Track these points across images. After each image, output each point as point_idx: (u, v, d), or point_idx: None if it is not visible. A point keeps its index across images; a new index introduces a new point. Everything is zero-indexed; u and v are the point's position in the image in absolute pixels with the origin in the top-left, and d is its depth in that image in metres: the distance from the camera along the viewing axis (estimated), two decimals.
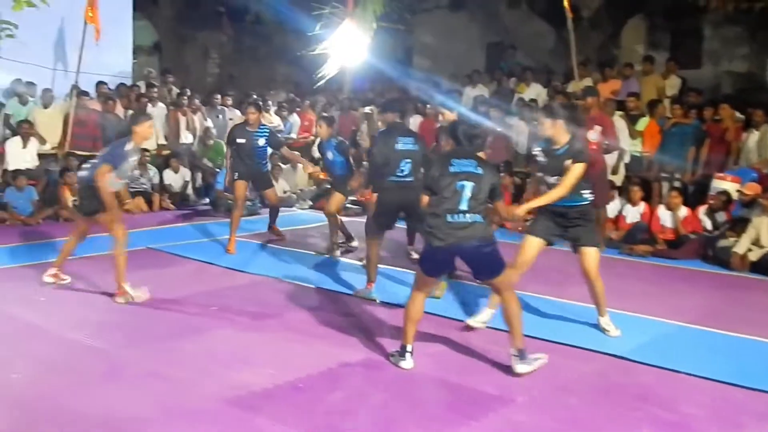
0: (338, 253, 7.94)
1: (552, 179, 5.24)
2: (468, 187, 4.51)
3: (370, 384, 4.47)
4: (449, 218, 4.51)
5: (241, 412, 3.95)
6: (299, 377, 4.45)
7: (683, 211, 8.70)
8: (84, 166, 6.68)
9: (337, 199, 7.97)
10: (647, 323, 5.76)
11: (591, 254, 5.29)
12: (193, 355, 4.87)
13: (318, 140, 9.13)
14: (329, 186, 8.33)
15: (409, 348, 4.70)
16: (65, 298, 6.17)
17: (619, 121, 9.88)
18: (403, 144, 6.24)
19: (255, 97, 12.94)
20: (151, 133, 6.82)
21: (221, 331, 5.41)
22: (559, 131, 5.18)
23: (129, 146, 6.19)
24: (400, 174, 6.20)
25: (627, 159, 9.99)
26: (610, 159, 9.58)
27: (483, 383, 4.45)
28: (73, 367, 4.61)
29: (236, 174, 8.22)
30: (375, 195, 6.37)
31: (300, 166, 10.58)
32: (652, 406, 4.18)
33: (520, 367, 4.56)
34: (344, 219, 8.79)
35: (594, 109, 9.17)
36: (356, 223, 8.51)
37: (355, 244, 8.20)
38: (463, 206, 4.50)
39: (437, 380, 4.54)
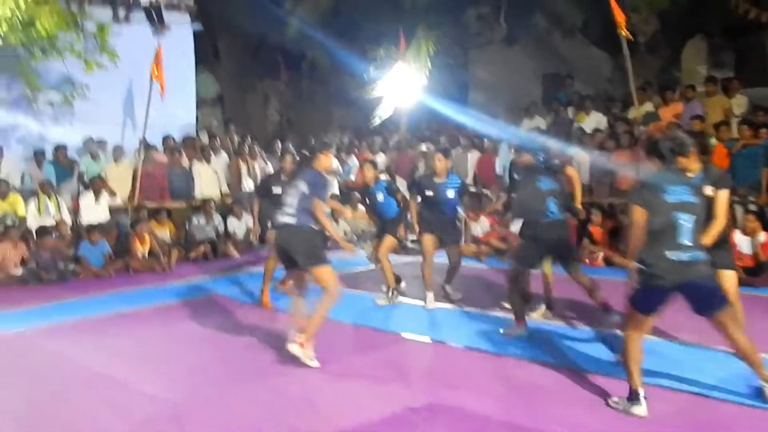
0: (396, 295, 7.76)
1: None
2: (686, 219, 4.29)
3: (436, 428, 4.40)
4: (669, 255, 4.27)
5: None
6: (362, 423, 4.43)
7: (762, 236, 8.37)
8: (285, 213, 5.78)
9: (388, 242, 7.76)
10: (726, 357, 5.43)
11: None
12: (262, 403, 4.89)
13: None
14: (381, 230, 7.99)
15: (641, 393, 4.46)
16: (136, 349, 6.31)
17: None
18: (543, 184, 6.21)
19: (314, 141, 13.24)
20: (331, 162, 6.54)
21: (288, 377, 5.41)
22: (693, 160, 5.04)
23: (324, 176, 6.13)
24: (549, 213, 6.16)
25: None
26: None
27: (552, 423, 4.34)
28: (141, 418, 4.66)
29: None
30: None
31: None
32: None
33: None
34: (406, 259, 8.78)
35: (657, 135, 9.04)
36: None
37: (403, 285, 8.04)
38: (684, 241, 4.29)
39: (507, 424, 4.43)
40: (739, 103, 10.95)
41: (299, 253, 5.61)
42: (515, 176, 6.77)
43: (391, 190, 7.86)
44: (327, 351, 6.00)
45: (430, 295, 7.47)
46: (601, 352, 5.72)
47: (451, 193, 7.41)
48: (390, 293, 7.72)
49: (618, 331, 6.04)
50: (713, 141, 9.78)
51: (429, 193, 7.42)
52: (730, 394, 4.72)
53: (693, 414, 4.49)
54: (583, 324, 6.56)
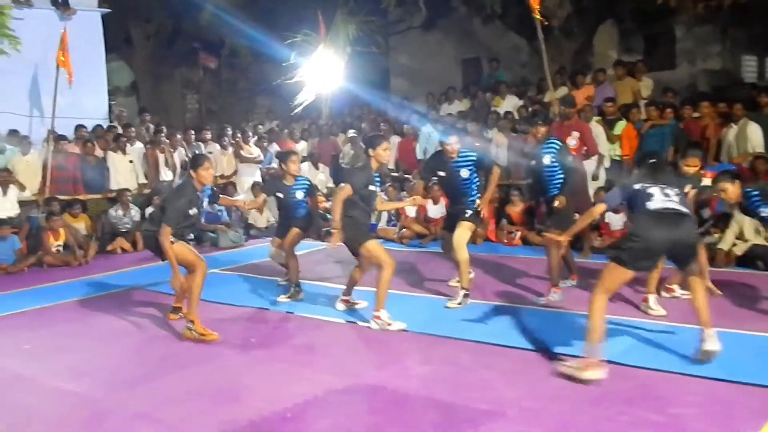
0: (299, 292, 7.23)
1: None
2: None
3: (361, 409, 4.40)
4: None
5: None
6: (287, 407, 4.38)
7: None
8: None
9: (294, 234, 7.25)
10: (633, 325, 5.74)
11: None
12: (180, 392, 4.79)
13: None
14: (284, 226, 7.51)
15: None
16: (49, 346, 6.08)
17: (596, 127, 9.94)
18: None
19: (230, 130, 13.00)
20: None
21: (207, 365, 5.33)
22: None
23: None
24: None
25: (607, 164, 10.03)
26: (590, 165, 9.64)
27: (474, 400, 4.39)
28: (58, 415, 4.52)
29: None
30: None
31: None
32: (640, 408, 4.13)
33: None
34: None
35: (570, 118, 9.30)
36: None
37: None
38: None
39: (427, 400, 4.46)
40: (647, 86, 11.36)
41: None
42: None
43: (312, 192, 7.45)
44: (247, 338, 5.99)
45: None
46: (523, 328, 5.82)
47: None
48: (294, 290, 7.20)
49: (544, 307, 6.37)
50: (623, 123, 10.12)
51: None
52: (636, 360, 4.88)
53: (652, 388, 4.51)
54: (506, 301, 6.71)
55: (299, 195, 7.34)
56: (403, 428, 4.06)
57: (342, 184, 6.22)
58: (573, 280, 7.17)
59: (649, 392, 4.38)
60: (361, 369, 5.08)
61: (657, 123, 9.81)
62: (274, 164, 12.85)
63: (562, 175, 6.71)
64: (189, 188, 6.14)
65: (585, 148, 9.43)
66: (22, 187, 10.58)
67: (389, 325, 5.94)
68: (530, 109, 11.54)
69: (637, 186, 4.88)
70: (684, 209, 4.75)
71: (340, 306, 6.68)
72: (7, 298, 8.03)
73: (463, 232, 6.63)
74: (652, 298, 6.10)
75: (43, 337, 6.35)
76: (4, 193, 10.30)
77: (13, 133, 11.13)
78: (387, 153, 6.31)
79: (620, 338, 5.38)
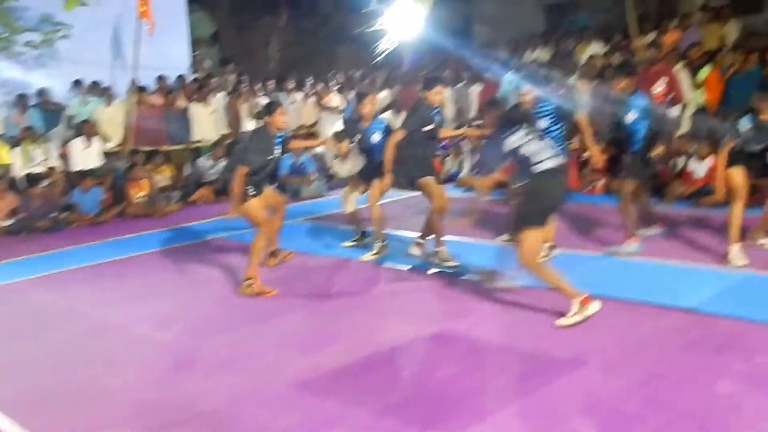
0: (386, 248, 6.89)
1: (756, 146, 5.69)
2: None
3: (441, 358, 4.31)
4: None
5: (311, 397, 3.85)
6: (367, 355, 4.33)
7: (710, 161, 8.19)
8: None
9: (380, 186, 6.70)
10: (719, 274, 5.52)
11: None
12: (264, 341, 4.81)
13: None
14: (366, 172, 7.06)
15: None
16: (136, 294, 6.20)
17: (680, 72, 9.41)
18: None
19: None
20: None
21: (290, 315, 5.33)
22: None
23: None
24: None
25: (692, 110, 9.48)
26: (675, 111, 9.16)
27: (556, 349, 4.26)
28: (147, 361, 4.61)
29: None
30: None
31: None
32: (728, 357, 3.98)
33: None
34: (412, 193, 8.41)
35: (660, 62, 8.81)
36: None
37: (367, 240, 7.18)
38: None
39: (509, 349, 4.36)
40: (732, 30, 10.79)
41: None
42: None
43: (389, 132, 6.97)
44: (329, 288, 5.96)
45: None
46: (606, 277, 5.59)
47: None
48: (382, 246, 6.82)
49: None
50: (707, 68, 9.61)
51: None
52: (722, 309, 4.70)
53: (684, 330, 4.44)
54: (584, 250, 6.48)
55: (376, 137, 6.93)
56: (484, 376, 4.00)
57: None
58: (659, 228, 6.82)
59: (734, 342, 4.21)
60: (442, 318, 5.01)
61: (741, 69, 9.20)
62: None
63: (643, 131, 6.29)
64: (265, 133, 6.22)
65: (672, 94, 8.92)
66: (105, 138, 10.78)
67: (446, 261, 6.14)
68: (616, 55, 11.00)
69: None
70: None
71: (415, 251, 6.58)
72: (93, 248, 8.26)
73: None
74: (735, 248, 5.75)
75: (128, 286, 6.49)
76: (88, 144, 10.51)
77: (96, 84, 11.32)
78: (440, 97, 6.39)
79: (704, 287, 5.18)
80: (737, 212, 5.75)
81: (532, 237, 4.69)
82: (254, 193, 6.04)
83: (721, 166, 5.89)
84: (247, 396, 3.93)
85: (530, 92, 6.36)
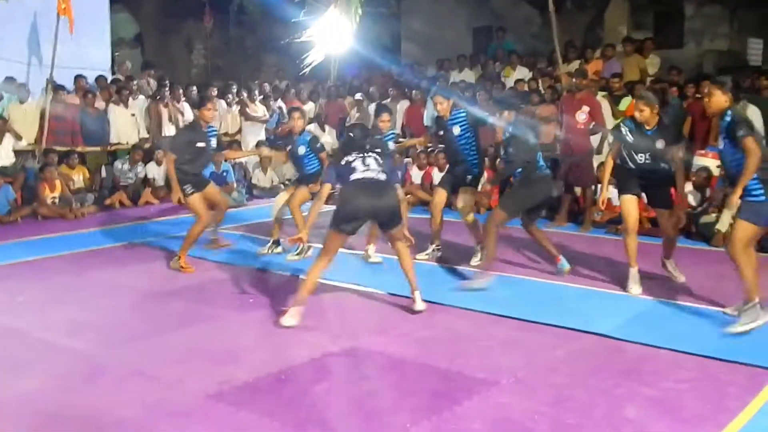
0: (308, 250, 7.28)
1: (640, 156, 5.87)
2: None
3: (357, 374, 4.37)
4: None
5: (225, 407, 3.83)
6: (282, 369, 4.34)
7: None
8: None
9: (301, 194, 7.31)
10: (631, 300, 5.76)
11: None
12: (176, 351, 4.74)
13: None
14: (298, 180, 7.59)
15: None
16: (44, 299, 6.01)
17: (602, 102, 9.85)
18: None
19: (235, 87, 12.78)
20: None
21: (205, 325, 5.28)
22: (653, 115, 5.79)
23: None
24: None
25: (610, 139, 9.89)
26: (594, 140, 9.57)
27: (470, 367, 4.37)
28: (52, 370, 4.45)
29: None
30: None
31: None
32: (635, 382, 4.15)
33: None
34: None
35: (583, 91, 9.17)
36: None
37: (279, 250, 7.49)
38: None
39: (424, 366, 4.44)
40: (654, 63, 11.31)
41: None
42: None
43: (313, 147, 7.37)
44: (246, 299, 5.93)
45: (371, 248, 7.21)
46: (530, 300, 5.77)
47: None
48: (301, 248, 7.18)
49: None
50: (628, 99, 9.99)
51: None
52: (632, 335, 4.89)
53: (594, 354, 4.62)
54: (511, 273, 6.62)
55: (301, 150, 7.36)
56: (398, 394, 4.04)
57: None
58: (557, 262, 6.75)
59: (642, 367, 4.40)
60: (359, 333, 5.05)
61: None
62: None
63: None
64: (195, 125, 7.16)
65: (593, 123, 9.32)
66: (18, 136, 10.38)
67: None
68: (539, 81, 11.38)
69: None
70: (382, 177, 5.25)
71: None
72: (1, 248, 7.92)
73: (466, 198, 6.85)
74: (632, 272, 5.96)
75: (37, 289, 6.27)
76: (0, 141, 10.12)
77: (10, 80, 10.89)
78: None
79: (616, 313, 5.41)
80: (629, 242, 5.93)
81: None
82: (192, 191, 6.81)
83: (607, 171, 6.12)
84: (156, 407, 3.87)
85: (445, 100, 6.84)
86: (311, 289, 5.26)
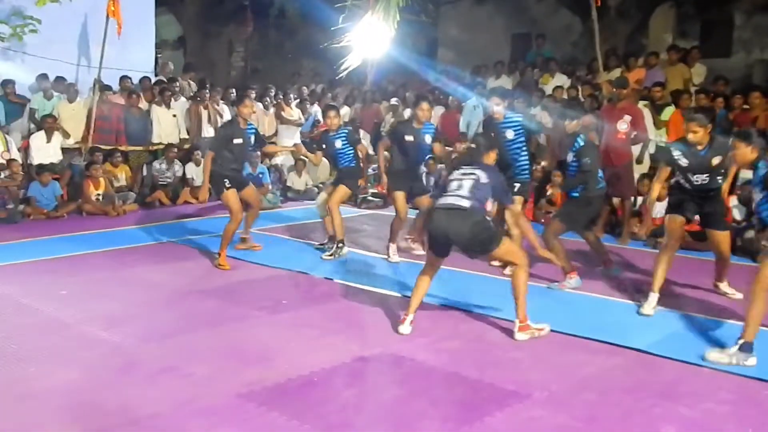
0: (342, 249, 7.52)
1: (696, 177, 5.73)
2: None
3: (386, 379, 4.40)
4: None
5: (255, 408, 3.90)
6: (314, 372, 4.39)
7: None
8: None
9: (341, 192, 7.51)
10: (670, 316, 5.64)
11: None
12: (209, 349, 4.84)
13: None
14: (336, 179, 7.80)
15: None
16: (85, 293, 6.17)
17: (644, 110, 9.70)
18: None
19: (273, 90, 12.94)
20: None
21: (237, 324, 5.37)
22: (705, 135, 5.59)
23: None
24: None
25: (652, 149, 9.77)
26: (635, 149, 9.40)
27: (500, 379, 4.35)
28: (91, 361, 4.59)
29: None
30: None
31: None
32: (673, 402, 4.04)
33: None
34: (367, 212, 8.69)
35: (624, 100, 9.01)
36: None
37: (344, 252, 7.58)
38: None
39: (454, 376, 4.43)
40: (699, 73, 11.07)
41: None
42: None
43: (351, 139, 7.64)
44: (279, 301, 5.99)
45: (393, 248, 7.41)
46: (555, 310, 5.72)
47: (428, 138, 7.31)
48: (337, 246, 7.48)
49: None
50: (671, 108, 9.83)
51: (409, 138, 7.26)
52: (671, 352, 4.79)
53: (631, 370, 4.55)
54: (539, 282, 6.54)
55: (338, 143, 7.59)
56: (427, 402, 4.03)
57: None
58: (606, 268, 6.89)
59: (681, 386, 4.29)
60: (390, 339, 5.07)
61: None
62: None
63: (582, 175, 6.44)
64: (234, 121, 7.38)
65: (634, 133, 9.17)
66: (66, 135, 10.68)
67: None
68: (581, 88, 11.25)
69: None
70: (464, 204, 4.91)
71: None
72: (47, 242, 8.17)
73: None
74: (651, 296, 5.77)
75: (79, 283, 6.45)
76: (48, 139, 10.38)
77: (61, 80, 11.21)
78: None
79: (654, 328, 5.31)
80: (661, 259, 5.78)
81: None
82: (230, 186, 7.03)
83: (655, 192, 6.07)
84: (188, 403, 3.95)
85: (502, 102, 6.91)
86: (419, 297, 5.26)
